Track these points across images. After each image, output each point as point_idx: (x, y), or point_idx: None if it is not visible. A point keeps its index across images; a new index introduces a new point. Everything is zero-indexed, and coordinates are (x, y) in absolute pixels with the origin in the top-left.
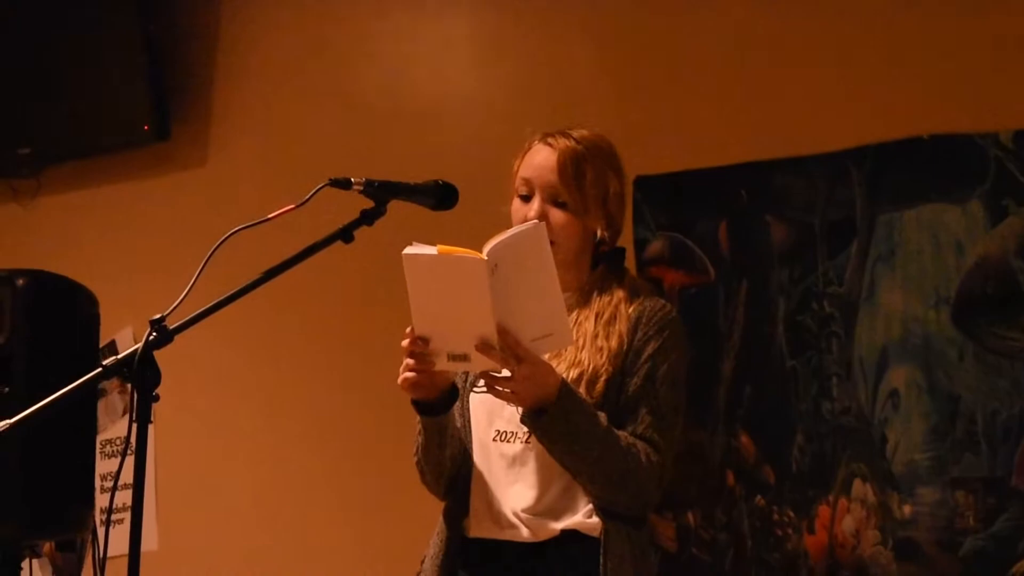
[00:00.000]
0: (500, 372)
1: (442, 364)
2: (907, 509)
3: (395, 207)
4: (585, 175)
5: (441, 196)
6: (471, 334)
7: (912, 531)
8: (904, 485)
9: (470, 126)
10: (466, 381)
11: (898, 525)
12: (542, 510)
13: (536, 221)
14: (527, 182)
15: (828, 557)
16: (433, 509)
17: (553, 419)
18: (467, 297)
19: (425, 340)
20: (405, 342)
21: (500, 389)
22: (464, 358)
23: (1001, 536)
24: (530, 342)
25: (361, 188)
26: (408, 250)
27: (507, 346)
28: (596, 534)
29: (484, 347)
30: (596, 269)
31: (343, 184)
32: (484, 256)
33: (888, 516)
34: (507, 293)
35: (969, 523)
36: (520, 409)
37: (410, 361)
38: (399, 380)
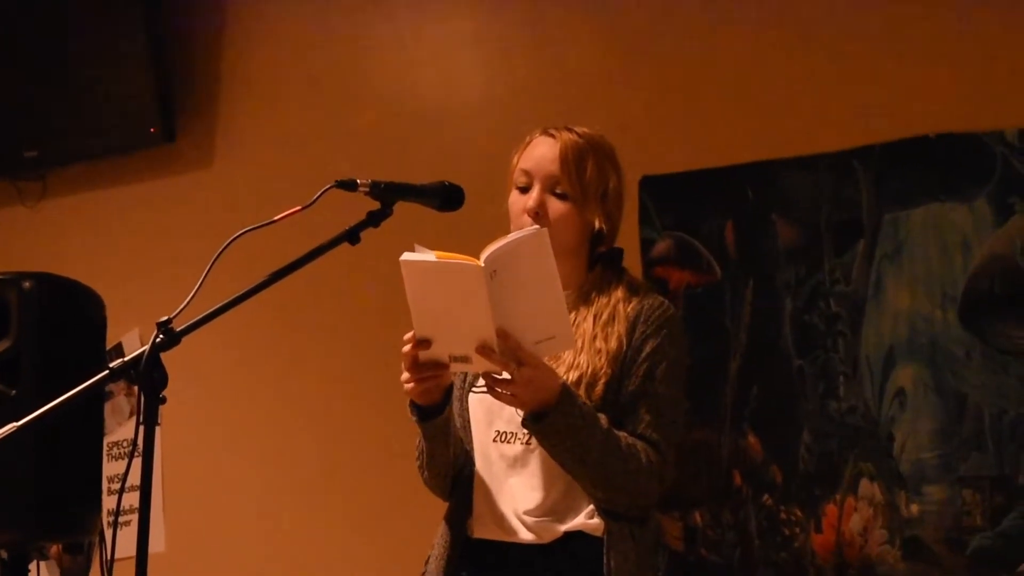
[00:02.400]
0: (501, 374)
1: (443, 364)
2: (914, 508)
3: (401, 208)
4: (586, 167)
5: (447, 197)
6: (471, 337)
7: (919, 530)
8: (911, 484)
9: (476, 127)
10: (464, 381)
11: (905, 524)
12: (545, 512)
13: (538, 227)
14: (527, 173)
15: (835, 556)
16: (438, 509)
17: (554, 423)
18: (465, 302)
19: (425, 343)
20: (406, 348)
21: (501, 391)
22: (465, 360)
23: (1009, 535)
24: (532, 345)
25: (367, 190)
26: (406, 256)
27: (507, 349)
28: (599, 534)
29: (484, 350)
30: (594, 269)
31: (349, 186)
32: (481, 263)
33: (895, 515)
34: (507, 297)
35: (976, 522)
36: (520, 412)
37: (408, 372)
38: (405, 389)
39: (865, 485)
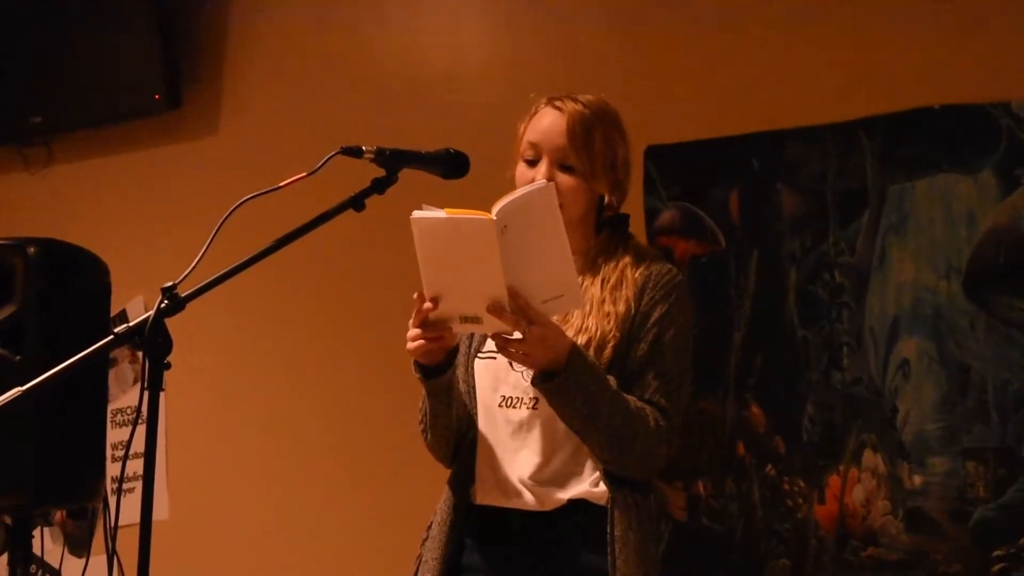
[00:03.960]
0: (511, 334)
1: (454, 326)
2: (917, 479)
3: (406, 175)
4: (594, 139)
5: (452, 164)
6: (482, 296)
7: (922, 501)
8: (914, 455)
9: (482, 94)
10: (470, 346)
11: (908, 495)
12: (548, 477)
13: (545, 181)
14: (534, 146)
15: (838, 527)
16: (441, 475)
17: (564, 382)
18: (477, 259)
19: (436, 301)
20: (427, 305)
21: (512, 351)
22: (475, 320)
23: (1011, 506)
24: (540, 303)
25: (372, 156)
26: (416, 213)
27: (518, 308)
28: (603, 503)
29: (495, 309)
30: (600, 235)
31: (354, 152)
32: (493, 217)
33: (898, 486)
34: (517, 254)
35: (979, 493)
36: (526, 372)
37: (417, 329)
38: (410, 347)
39: (868, 456)
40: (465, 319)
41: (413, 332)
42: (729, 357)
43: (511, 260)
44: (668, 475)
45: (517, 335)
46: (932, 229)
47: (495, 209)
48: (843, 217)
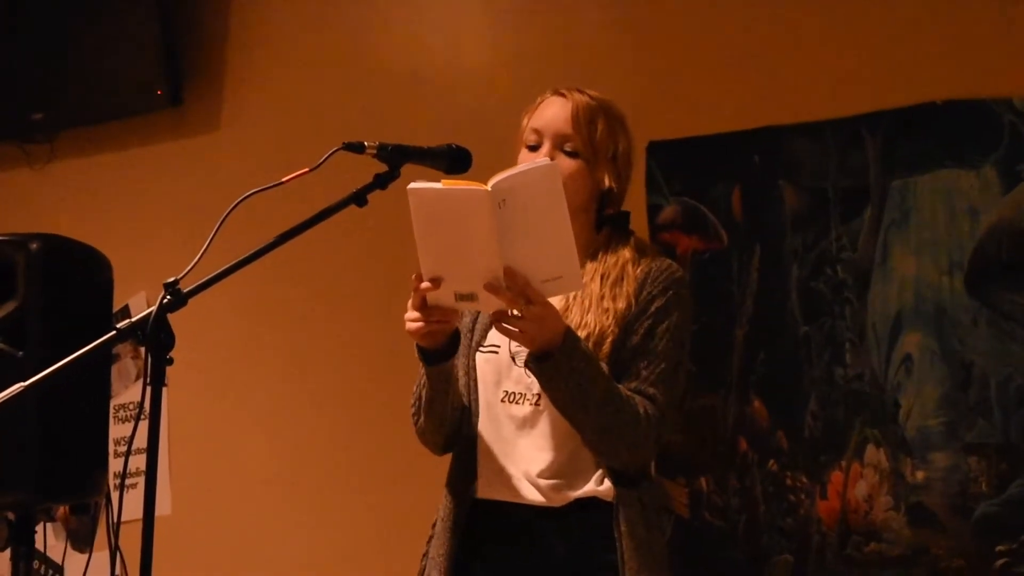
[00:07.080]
0: (508, 311)
1: (449, 303)
2: (920, 474)
3: (408, 171)
4: (597, 127)
5: (454, 159)
6: (478, 272)
7: (925, 496)
8: (917, 450)
9: (484, 91)
10: (471, 340)
11: (911, 490)
12: (554, 473)
13: (548, 160)
14: (537, 132)
15: (841, 522)
16: (446, 473)
17: (558, 364)
18: (473, 232)
19: (434, 281)
20: (424, 285)
21: (509, 328)
22: (471, 297)
23: (1013, 502)
24: (539, 283)
25: (374, 152)
26: (413, 185)
27: (515, 285)
28: (610, 499)
29: (492, 286)
30: (601, 231)
31: (356, 148)
32: (488, 188)
33: (901, 481)
34: (515, 231)
35: (982, 489)
36: (525, 356)
37: (415, 312)
38: (409, 329)
39: (871, 451)
40: (461, 296)
41: (412, 314)
42: (731, 353)
43: (509, 237)
44: (670, 471)
45: (514, 312)
46: (934, 225)
47: (492, 181)
48: (845, 213)
